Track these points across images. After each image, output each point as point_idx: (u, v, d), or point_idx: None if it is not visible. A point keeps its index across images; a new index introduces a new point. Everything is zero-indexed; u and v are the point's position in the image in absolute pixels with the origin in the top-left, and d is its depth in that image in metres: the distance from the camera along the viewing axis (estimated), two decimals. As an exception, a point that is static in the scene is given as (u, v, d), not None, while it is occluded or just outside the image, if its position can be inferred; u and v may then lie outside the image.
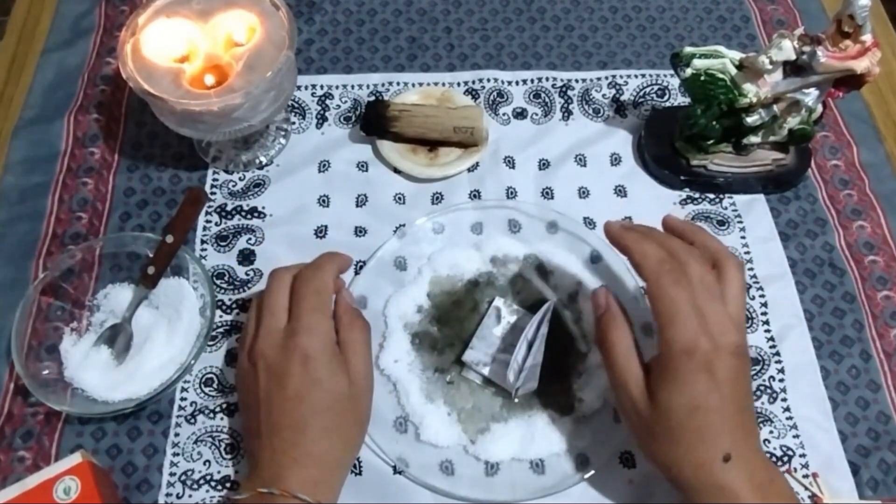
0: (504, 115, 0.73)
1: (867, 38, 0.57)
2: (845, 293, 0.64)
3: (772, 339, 0.62)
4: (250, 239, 0.66)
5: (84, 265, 0.61)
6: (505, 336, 0.59)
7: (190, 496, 0.55)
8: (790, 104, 0.62)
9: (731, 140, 0.67)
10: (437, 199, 0.68)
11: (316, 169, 0.70)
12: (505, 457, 0.56)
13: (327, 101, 0.73)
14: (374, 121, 0.69)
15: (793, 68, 0.60)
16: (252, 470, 0.51)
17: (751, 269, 0.65)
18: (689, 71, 0.62)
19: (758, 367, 0.60)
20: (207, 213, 0.67)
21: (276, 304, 0.54)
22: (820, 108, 0.63)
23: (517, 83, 0.75)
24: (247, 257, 0.65)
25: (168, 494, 0.55)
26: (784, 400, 0.59)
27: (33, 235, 0.65)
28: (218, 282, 0.63)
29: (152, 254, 0.61)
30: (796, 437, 0.57)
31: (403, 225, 0.66)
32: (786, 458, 0.57)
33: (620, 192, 0.69)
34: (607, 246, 0.63)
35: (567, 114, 0.73)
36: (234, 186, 0.68)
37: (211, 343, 0.60)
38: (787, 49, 0.58)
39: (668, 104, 0.74)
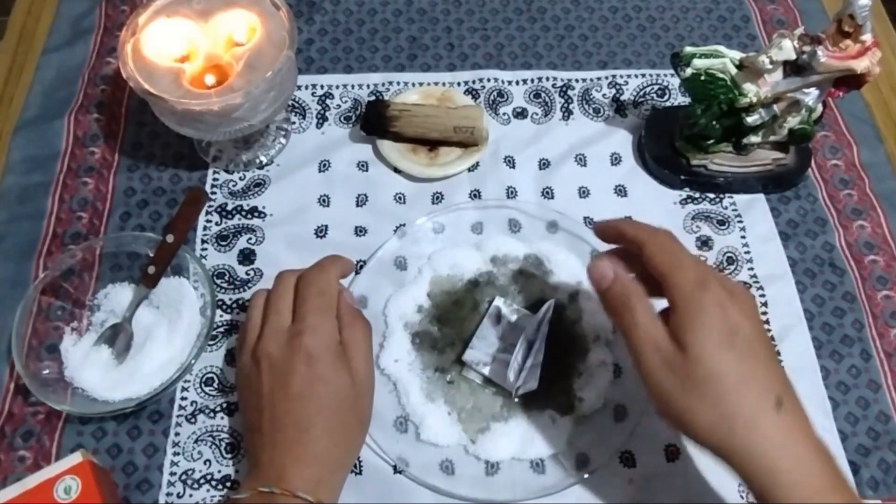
0: (504, 114, 0.73)
1: (867, 37, 0.57)
2: (845, 293, 0.64)
3: (772, 338, 0.62)
4: (250, 239, 0.66)
5: (84, 265, 0.61)
6: (505, 336, 0.59)
7: (190, 496, 0.55)
8: (790, 104, 0.62)
9: (731, 140, 0.67)
10: (437, 198, 0.68)
11: (316, 169, 0.70)
12: (505, 456, 0.56)
13: (327, 101, 0.73)
14: (374, 120, 0.69)
15: (793, 68, 0.60)
16: (252, 469, 0.51)
17: (751, 268, 0.65)
18: (689, 71, 0.62)
19: (758, 367, 0.60)
20: (208, 212, 0.67)
21: (281, 305, 0.54)
22: (820, 108, 0.63)
23: (517, 83, 0.75)
24: (247, 257, 0.65)
25: (168, 494, 0.55)
26: (784, 400, 0.59)
27: (33, 235, 0.65)
28: (218, 281, 0.63)
29: (152, 253, 0.61)
30: None
31: (403, 225, 0.66)
32: (786, 458, 0.57)
33: (620, 191, 0.69)
34: (607, 246, 0.64)
35: (567, 113, 0.73)
36: (234, 186, 0.68)
37: (211, 343, 0.60)
38: (787, 49, 0.58)
39: (668, 104, 0.74)
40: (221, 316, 0.62)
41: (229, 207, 0.67)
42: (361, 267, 0.64)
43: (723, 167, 0.68)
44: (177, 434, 0.57)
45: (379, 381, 0.58)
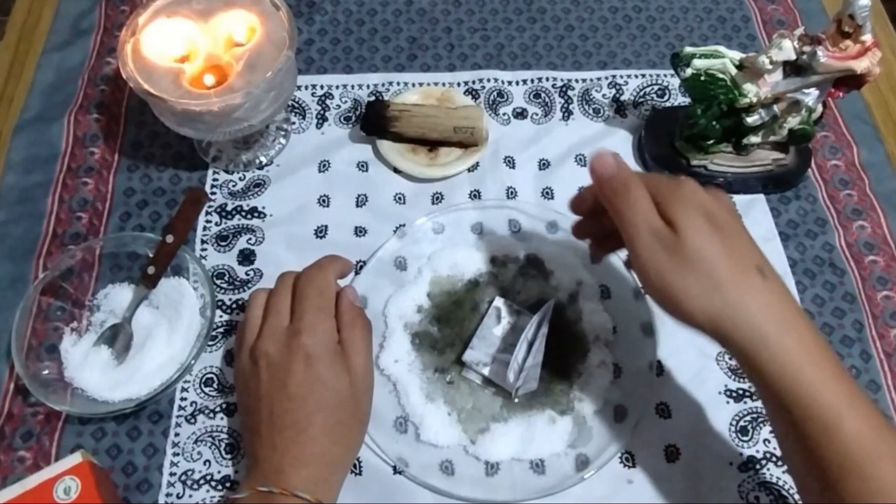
0: (504, 115, 0.73)
1: (867, 38, 0.57)
2: (845, 293, 0.64)
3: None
4: (250, 239, 0.66)
5: (84, 265, 0.61)
6: (505, 336, 0.59)
7: (190, 496, 0.55)
8: (790, 104, 0.62)
9: (731, 140, 0.67)
10: (437, 199, 0.68)
11: (316, 169, 0.70)
12: (505, 457, 0.56)
13: (327, 101, 0.73)
14: (374, 121, 0.69)
15: (793, 68, 0.60)
16: (251, 469, 0.51)
17: (751, 269, 0.65)
18: (689, 71, 0.62)
19: (758, 367, 0.60)
20: (207, 213, 0.67)
21: (279, 305, 0.54)
22: (820, 108, 0.63)
23: (517, 83, 0.75)
24: (247, 257, 0.65)
25: (168, 494, 0.55)
26: (784, 400, 0.59)
27: (33, 235, 0.65)
28: (218, 282, 0.63)
29: (152, 254, 0.61)
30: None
31: (403, 225, 0.66)
32: (786, 458, 0.57)
33: (620, 192, 0.69)
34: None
35: (567, 114, 0.73)
36: (234, 186, 0.68)
37: (211, 343, 0.60)
38: (787, 49, 0.58)
39: (668, 104, 0.74)
40: (221, 316, 0.62)
41: (229, 208, 0.67)
42: (361, 267, 0.64)
43: (723, 167, 0.68)
44: (176, 434, 0.57)
45: (379, 381, 0.58)
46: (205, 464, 0.56)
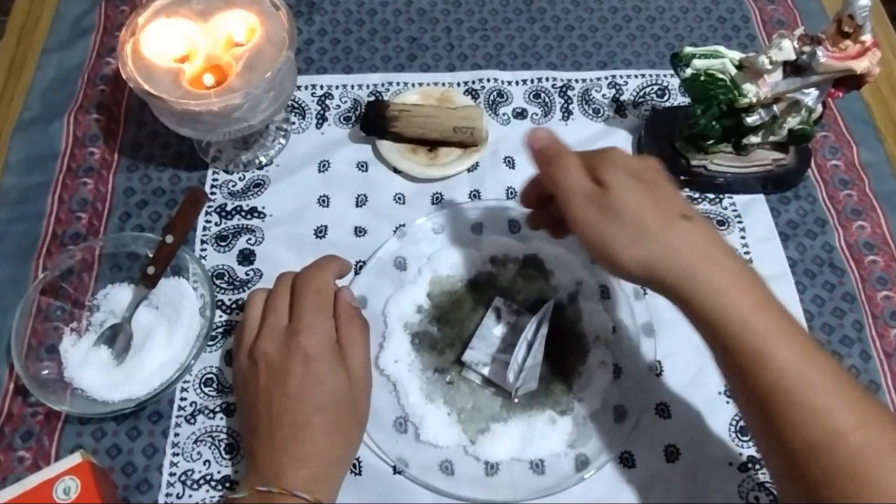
0: (504, 115, 0.73)
1: (867, 38, 0.57)
2: (845, 293, 0.64)
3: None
4: (250, 239, 0.66)
5: (84, 265, 0.61)
6: (505, 336, 0.59)
7: (190, 496, 0.55)
8: (790, 104, 0.62)
9: (731, 140, 0.67)
10: (437, 199, 0.68)
11: (316, 169, 0.70)
12: (505, 457, 0.56)
13: (327, 101, 0.73)
14: (373, 121, 0.69)
15: (793, 68, 0.60)
16: (250, 468, 0.51)
17: (751, 269, 0.65)
18: (689, 71, 0.62)
19: (758, 367, 0.60)
20: (207, 213, 0.67)
21: (278, 304, 0.54)
22: (820, 108, 0.63)
23: (517, 83, 0.75)
24: (247, 257, 0.65)
25: (168, 494, 0.55)
26: (784, 400, 0.59)
27: (33, 235, 0.65)
28: (218, 282, 0.63)
29: (152, 254, 0.61)
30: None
31: (403, 225, 0.66)
32: (786, 458, 0.57)
33: (620, 192, 0.69)
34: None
35: (567, 114, 0.73)
36: (234, 186, 0.68)
37: (211, 343, 0.60)
38: (787, 49, 0.58)
39: (668, 104, 0.74)
40: (221, 316, 0.62)
41: (229, 208, 0.67)
42: (361, 267, 0.64)
43: (722, 167, 0.68)
44: (176, 434, 0.57)
45: (378, 381, 0.58)
46: (204, 464, 0.56)
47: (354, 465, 0.56)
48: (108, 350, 0.58)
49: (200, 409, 0.58)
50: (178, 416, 0.57)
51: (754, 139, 0.66)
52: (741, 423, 0.58)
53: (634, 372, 0.59)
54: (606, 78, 0.76)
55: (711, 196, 0.69)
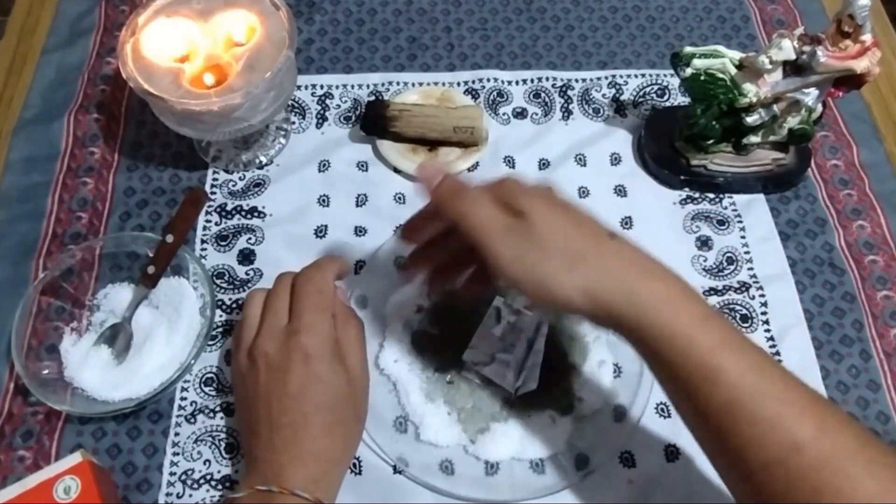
0: (504, 114, 0.73)
1: (867, 37, 0.57)
2: (845, 293, 0.64)
3: (772, 338, 0.62)
4: (250, 239, 0.66)
5: (84, 265, 0.61)
6: (505, 336, 0.59)
7: (190, 496, 0.55)
8: (790, 104, 0.62)
9: (731, 140, 0.67)
10: (437, 198, 0.68)
11: (316, 169, 0.70)
12: (505, 456, 0.56)
13: (327, 101, 0.73)
14: (374, 120, 0.69)
15: (793, 68, 0.60)
16: (249, 468, 0.51)
17: (750, 269, 0.65)
18: (689, 71, 0.62)
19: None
20: (207, 212, 0.67)
21: (278, 304, 0.54)
22: (820, 108, 0.63)
23: (517, 83, 0.75)
24: (247, 257, 0.65)
25: (168, 494, 0.55)
26: (784, 400, 0.59)
27: (33, 235, 0.65)
28: (218, 281, 0.63)
29: (152, 253, 0.61)
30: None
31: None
32: (786, 458, 0.57)
33: (620, 191, 0.69)
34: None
35: (567, 113, 0.73)
36: (234, 186, 0.68)
37: (211, 343, 0.60)
38: (787, 49, 0.58)
39: (668, 104, 0.74)
40: (221, 316, 0.62)
41: (229, 207, 0.67)
42: (361, 267, 0.64)
43: (722, 167, 0.68)
44: (176, 434, 0.57)
45: (378, 381, 0.58)
46: (205, 463, 0.56)
47: (354, 465, 0.56)
48: (108, 350, 0.58)
49: (201, 408, 0.58)
50: (178, 416, 0.57)
51: (754, 139, 0.66)
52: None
53: (634, 372, 0.59)
54: (606, 78, 0.76)
55: (711, 196, 0.69)
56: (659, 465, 0.56)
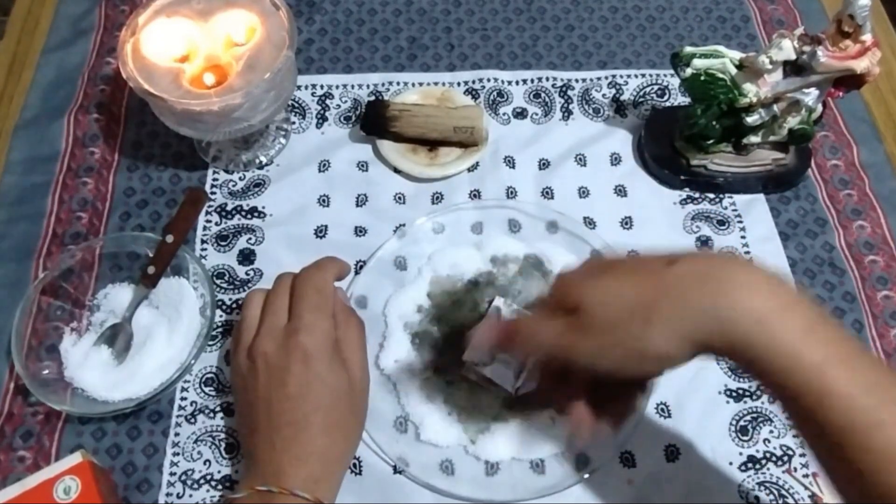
0: (504, 114, 0.73)
1: (867, 37, 0.57)
2: (845, 293, 0.64)
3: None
4: (250, 239, 0.66)
5: (84, 265, 0.61)
6: (505, 336, 0.59)
7: (190, 496, 0.55)
8: (790, 104, 0.62)
9: (731, 140, 0.67)
10: (437, 198, 0.68)
11: (316, 169, 0.70)
12: (505, 457, 0.56)
13: (327, 101, 0.73)
14: (374, 120, 0.69)
15: (793, 68, 0.60)
16: (249, 468, 0.51)
17: (751, 268, 0.65)
18: (689, 71, 0.62)
19: (758, 367, 0.60)
20: (207, 212, 0.67)
21: (277, 304, 0.54)
22: (820, 108, 0.63)
23: (517, 83, 0.75)
24: (247, 257, 0.65)
25: (168, 494, 0.55)
26: (784, 400, 0.59)
27: (33, 235, 0.65)
28: (218, 282, 0.63)
29: (152, 254, 0.61)
30: (796, 436, 0.57)
31: (403, 225, 0.66)
32: (786, 458, 0.57)
33: (620, 191, 0.69)
34: (607, 246, 0.64)
35: (567, 114, 0.73)
36: (234, 186, 0.68)
37: (211, 343, 0.60)
38: (787, 49, 0.58)
39: (668, 104, 0.74)
40: (221, 316, 0.62)
41: (229, 207, 0.67)
42: (361, 267, 0.64)
43: (723, 167, 0.68)
44: (176, 434, 0.57)
45: (378, 381, 0.58)
46: (205, 463, 0.56)
47: (354, 465, 0.56)
48: (108, 350, 0.58)
49: (201, 408, 0.58)
50: (178, 416, 0.57)
51: (754, 139, 0.66)
52: (741, 422, 0.58)
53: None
54: (606, 78, 0.76)
55: (711, 196, 0.69)
56: (659, 465, 0.56)
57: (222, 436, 0.57)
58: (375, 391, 0.55)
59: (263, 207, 0.67)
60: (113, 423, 0.57)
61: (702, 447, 0.57)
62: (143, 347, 0.58)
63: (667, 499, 0.55)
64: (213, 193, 0.68)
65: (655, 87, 0.75)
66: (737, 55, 0.62)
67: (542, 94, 0.74)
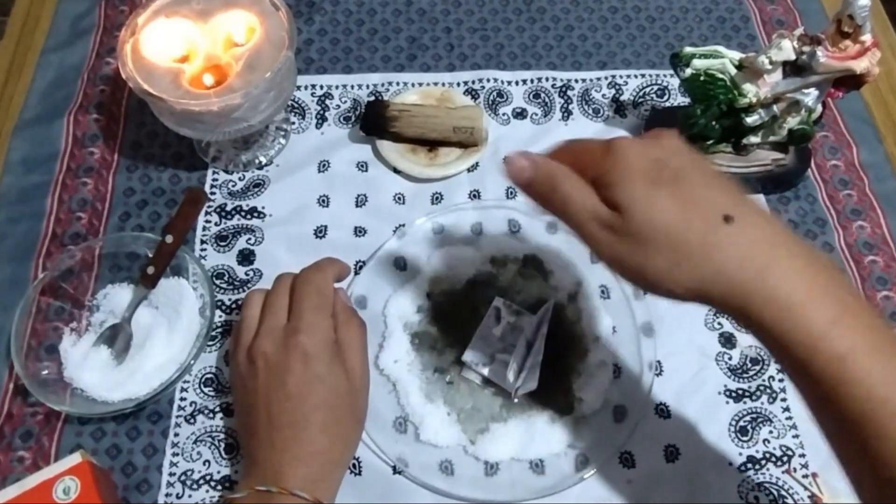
0: (504, 115, 0.73)
1: (867, 38, 0.57)
2: (845, 293, 0.64)
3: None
4: (250, 239, 0.66)
5: (84, 265, 0.61)
6: (505, 336, 0.59)
7: (190, 496, 0.55)
8: (790, 104, 0.62)
9: (731, 140, 0.67)
10: (436, 199, 0.68)
11: (316, 169, 0.69)
12: (504, 457, 0.56)
13: (327, 101, 0.73)
14: (373, 121, 0.69)
15: (793, 68, 0.60)
16: (248, 468, 0.51)
17: (750, 269, 0.65)
18: (688, 71, 0.62)
19: (757, 367, 0.60)
20: (207, 213, 0.67)
21: (277, 305, 0.54)
22: (820, 108, 0.63)
23: (517, 83, 0.75)
24: (246, 257, 0.65)
25: (168, 494, 0.55)
26: (783, 400, 0.59)
27: (33, 235, 0.65)
28: (217, 282, 0.63)
29: (152, 254, 0.61)
30: (796, 437, 0.57)
31: (403, 225, 0.66)
32: (785, 458, 0.57)
33: (620, 192, 0.69)
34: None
35: (567, 114, 0.73)
36: (233, 186, 0.68)
37: (211, 343, 0.60)
38: (786, 49, 0.58)
39: (668, 104, 0.74)
40: (221, 316, 0.62)
41: (229, 208, 0.67)
42: (361, 267, 0.64)
43: (722, 167, 0.68)
44: (176, 434, 0.57)
45: (378, 381, 0.58)
46: (204, 464, 0.56)
47: (354, 465, 0.56)
48: (107, 350, 0.58)
49: (200, 409, 0.58)
50: (177, 416, 0.57)
51: (754, 139, 0.66)
52: (741, 423, 0.58)
53: (634, 372, 0.59)
54: (606, 78, 0.76)
55: (711, 196, 0.69)
56: (658, 465, 0.56)
57: (222, 436, 0.57)
58: (375, 391, 0.55)
59: (263, 208, 0.67)
60: (112, 423, 0.57)
61: (702, 447, 0.57)
62: (143, 348, 0.58)
63: (667, 499, 0.55)
64: (212, 194, 0.68)
65: (655, 88, 0.75)
66: (736, 55, 0.62)
67: (542, 95, 0.74)
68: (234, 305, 0.63)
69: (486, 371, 0.58)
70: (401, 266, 0.64)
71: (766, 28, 0.80)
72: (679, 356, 0.60)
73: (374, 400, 0.55)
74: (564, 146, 0.45)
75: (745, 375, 0.60)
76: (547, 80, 0.75)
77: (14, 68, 0.75)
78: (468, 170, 0.69)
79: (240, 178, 0.69)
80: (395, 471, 0.55)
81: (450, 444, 0.56)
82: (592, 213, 0.41)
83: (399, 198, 0.68)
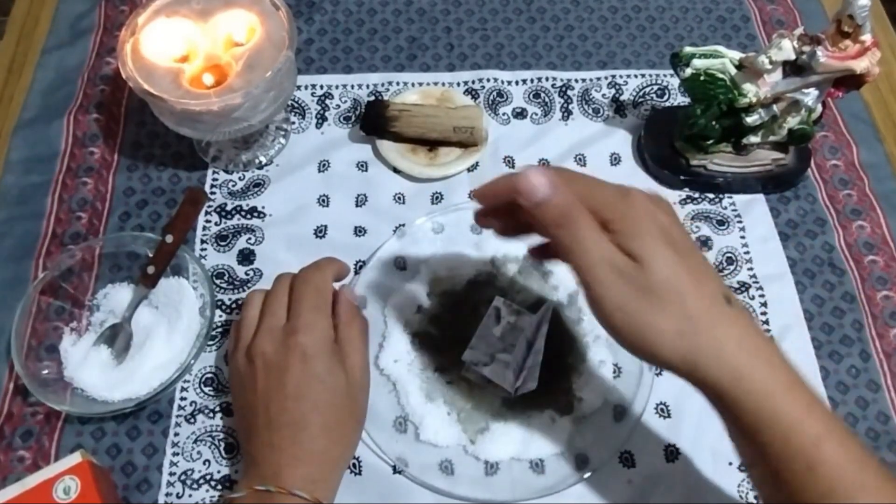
0: (504, 114, 0.73)
1: (867, 38, 0.57)
2: (845, 293, 0.64)
3: (771, 338, 0.62)
4: (250, 239, 0.66)
5: (84, 265, 0.61)
6: (505, 336, 0.59)
7: (190, 496, 0.55)
8: (790, 104, 0.62)
9: (731, 140, 0.67)
10: (436, 198, 0.68)
11: (316, 169, 0.70)
12: (504, 457, 0.56)
13: (327, 101, 0.73)
14: (373, 120, 0.69)
15: (793, 68, 0.60)
16: (248, 468, 0.51)
17: (750, 269, 0.65)
18: (688, 71, 0.62)
19: (757, 367, 0.60)
20: (207, 212, 0.67)
21: (276, 304, 0.54)
22: (820, 108, 0.63)
23: (517, 83, 0.75)
24: (246, 257, 0.65)
25: (168, 494, 0.55)
26: (784, 400, 0.59)
27: (33, 235, 0.65)
28: (218, 281, 0.63)
29: (152, 254, 0.61)
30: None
31: (403, 225, 0.66)
32: (785, 458, 0.57)
33: (620, 191, 0.69)
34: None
35: (567, 114, 0.73)
36: (233, 186, 0.68)
37: (211, 343, 0.60)
38: (786, 49, 0.58)
39: (668, 104, 0.74)
40: (221, 316, 0.62)
41: (229, 207, 0.67)
42: (361, 267, 0.64)
43: (722, 167, 0.68)
44: (176, 434, 0.57)
45: (378, 381, 0.58)
46: (204, 463, 0.56)
47: (354, 465, 0.56)
48: (108, 350, 0.58)
49: (200, 408, 0.58)
50: (177, 416, 0.57)
51: (754, 139, 0.66)
52: (741, 422, 0.58)
53: (634, 372, 0.59)
54: (606, 78, 0.76)
55: (711, 196, 0.69)
56: (658, 465, 0.56)
57: (222, 436, 0.57)
58: (375, 391, 0.55)
59: (263, 207, 0.67)
60: (113, 423, 0.57)
61: (701, 447, 0.57)
62: (143, 347, 0.58)
63: (666, 499, 0.55)
64: (212, 193, 0.68)
65: (655, 87, 0.75)
66: (736, 55, 0.62)
67: (542, 94, 0.74)
68: (234, 305, 0.63)
69: (486, 371, 0.58)
70: (401, 266, 0.64)
71: (766, 28, 0.80)
72: (679, 356, 0.60)
73: (374, 399, 0.55)
74: (565, 174, 0.43)
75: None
76: (547, 79, 0.75)
77: (14, 68, 0.75)
78: (468, 170, 0.69)
79: (240, 178, 0.69)
80: (395, 470, 0.55)
81: (450, 443, 0.56)
82: (607, 256, 0.40)
83: (399, 198, 0.68)
